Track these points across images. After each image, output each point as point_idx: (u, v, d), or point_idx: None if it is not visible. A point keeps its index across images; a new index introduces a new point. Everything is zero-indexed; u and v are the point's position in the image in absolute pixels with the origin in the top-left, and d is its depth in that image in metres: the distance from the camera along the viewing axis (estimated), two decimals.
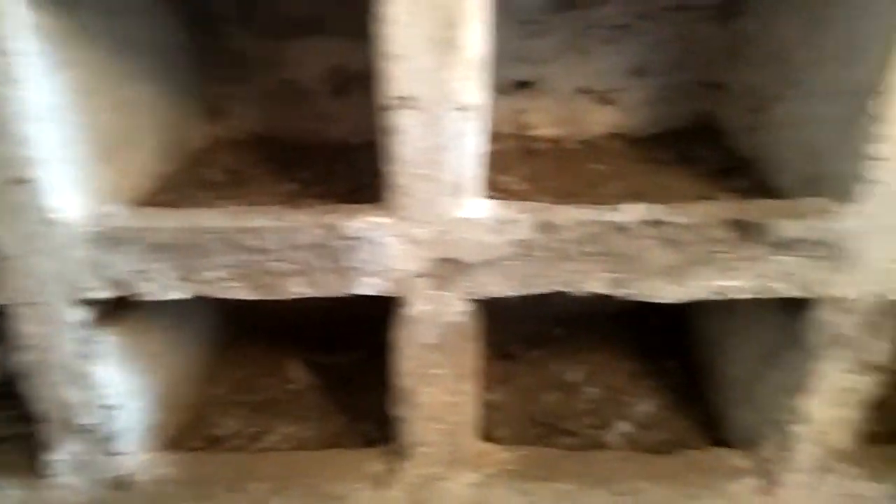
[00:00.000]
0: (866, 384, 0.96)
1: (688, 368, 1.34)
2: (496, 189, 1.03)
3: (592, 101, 1.29)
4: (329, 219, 0.88)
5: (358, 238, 0.88)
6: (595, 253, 0.89)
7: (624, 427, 1.19)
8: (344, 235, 0.88)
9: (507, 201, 0.91)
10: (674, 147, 1.24)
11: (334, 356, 1.39)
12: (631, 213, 0.89)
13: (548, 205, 0.92)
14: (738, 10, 1.18)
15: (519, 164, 1.20)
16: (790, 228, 0.86)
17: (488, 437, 1.12)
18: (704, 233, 0.87)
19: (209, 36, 1.23)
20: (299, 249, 0.89)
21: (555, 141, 1.30)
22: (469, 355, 0.98)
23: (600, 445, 1.15)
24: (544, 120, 1.31)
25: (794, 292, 0.90)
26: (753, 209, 0.88)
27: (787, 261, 0.88)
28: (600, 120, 1.30)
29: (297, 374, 1.35)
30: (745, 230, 0.87)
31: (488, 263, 0.90)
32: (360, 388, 1.30)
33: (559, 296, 0.92)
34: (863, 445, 1.03)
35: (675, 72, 1.26)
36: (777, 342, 1.01)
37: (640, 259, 0.89)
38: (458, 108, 0.81)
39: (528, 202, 0.92)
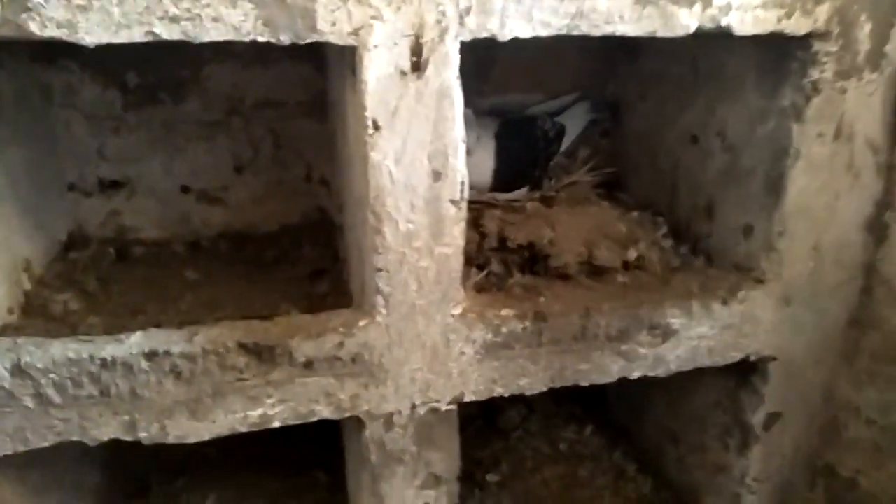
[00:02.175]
0: (445, 497, 0.92)
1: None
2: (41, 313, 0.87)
3: (197, 200, 1.19)
4: None
5: None
6: (93, 395, 0.76)
7: None
8: None
9: None
10: (279, 247, 1.17)
11: None
12: (134, 344, 0.77)
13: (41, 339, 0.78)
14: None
15: (93, 276, 1.05)
16: (313, 347, 0.79)
17: None
18: (220, 360, 0.78)
19: None
20: None
21: (158, 244, 1.18)
22: None
23: None
24: (145, 222, 1.18)
25: (335, 413, 0.83)
26: (275, 329, 0.81)
27: (320, 381, 0.81)
28: (208, 220, 1.20)
29: None
30: (264, 354, 0.79)
31: None
32: None
33: None
34: None
35: (278, 168, 1.20)
36: (359, 460, 0.94)
37: (150, 396, 0.77)
38: None
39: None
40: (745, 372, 0.98)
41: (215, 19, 0.65)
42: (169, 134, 1.14)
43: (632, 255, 0.99)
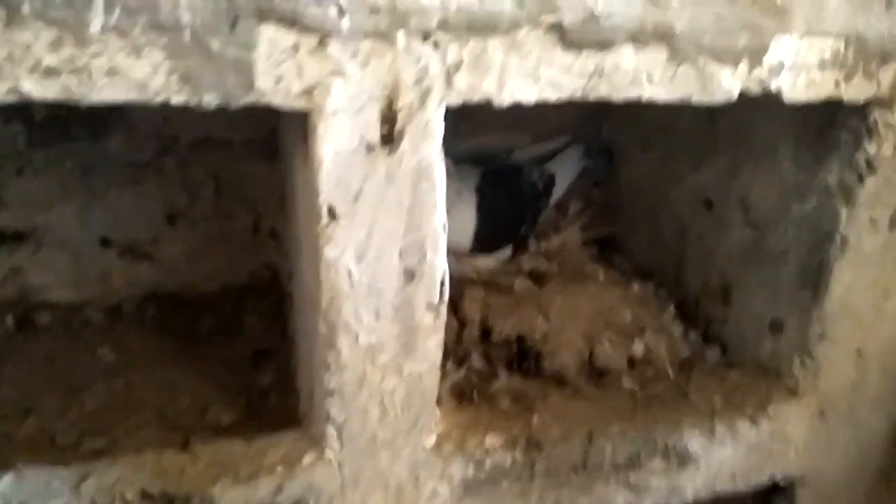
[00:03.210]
0: None
1: None
2: None
3: (121, 256, 0.99)
4: None
5: None
6: None
7: None
8: None
9: None
10: (218, 314, 0.98)
11: None
12: None
13: None
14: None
15: None
16: (242, 496, 0.61)
17: None
18: None
19: None
20: None
21: (70, 309, 0.97)
22: None
23: None
24: (55, 281, 0.98)
25: None
26: (194, 468, 0.62)
27: None
28: (133, 279, 1.00)
29: None
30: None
31: None
32: None
33: None
34: None
35: (220, 218, 1.01)
36: None
37: None
38: None
39: None
40: (769, 495, 0.83)
41: (111, 73, 0.46)
42: (85, 177, 0.94)
43: (638, 348, 0.83)
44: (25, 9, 0.42)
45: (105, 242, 0.98)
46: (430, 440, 0.65)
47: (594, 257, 1.08)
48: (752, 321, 0.85)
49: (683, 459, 0.74)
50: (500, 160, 1.09)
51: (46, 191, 0.93)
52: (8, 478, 0.58)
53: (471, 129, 1.11)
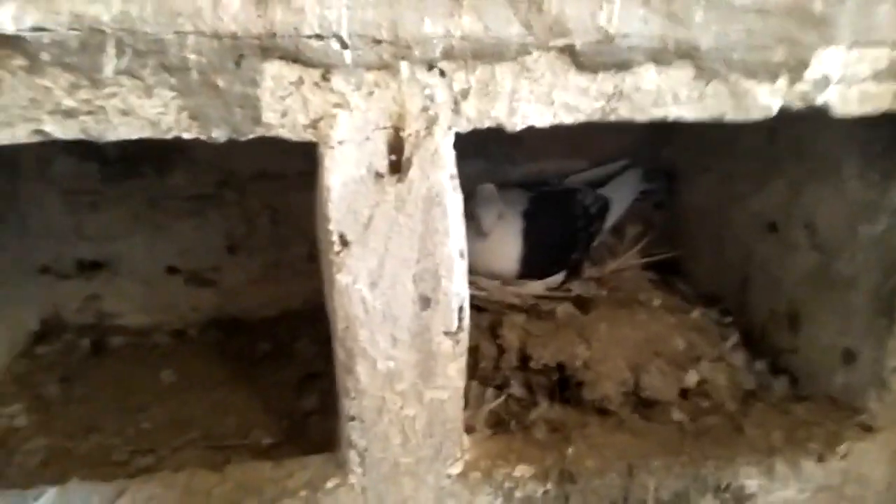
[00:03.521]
0: None
1: None
2: None
3: (186, 283, 1.05)
4: None
5: None
6: None
7: None
8: None
9: None
10: (274, 338, 1.01)
11: None
12: None
13: None
14: None
15: (57, 377, 0.92)
16: None
17: None
18: None
19: None
20: None
21: (141, 333, 1.04)
22: None
23: None
24: (128, 307, 1.04)
25: None
26: (221, 488, 0.63)
27: None
28: (198, 304, 1.05)
29: None
30: None
31: None
32: None
33: None
34: None
35: (277, 246, 1.05)
36: None
37: None
38: None
39: None
40: None
41: (124, 112, 0.49)
42: (153, 209, 1.01)
43: (692, 379, 0.78)
44: (44, 56, 0.46)
45: (172, 270, 1.04)
46: (456, 468, 0.64)
47: (654, 282, 1.03)
48: (823, 351, 0.78)
49: (739, 499, 0.68)
50: (553, 185, 1.07)
51: (119, 223, 1.00)
52: (52, 492, 0.61)
53: (525, 156, 1.10)
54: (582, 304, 0.87)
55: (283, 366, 0.95)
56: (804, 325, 0.82)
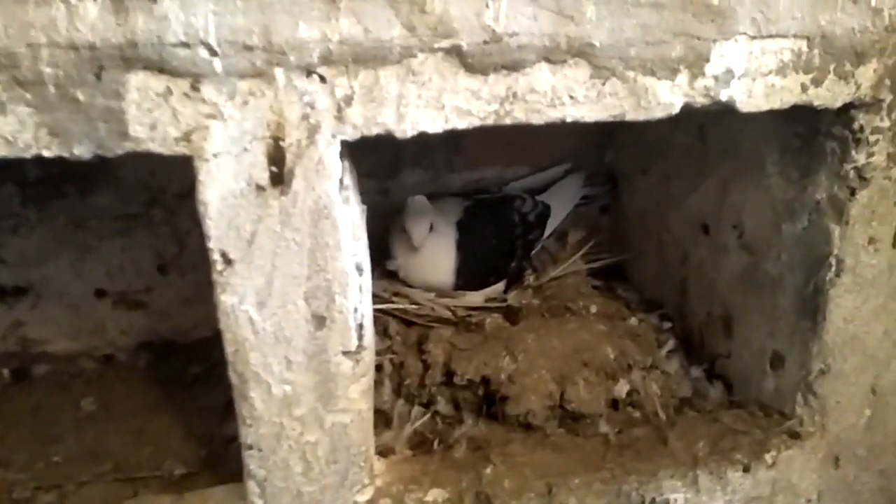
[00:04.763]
0: None
1: None
2: None
3: (115, 306, 1.01)
4: None
5: None
6: None
7: None
8: None
9: None
10: (206, 361, 0.97)
11: None
12: None
13: None
14: None
15: None
16: None
17: None
18: None
19: None
20: None
21: (67, 359, 1.00)
22: None
23: None
24: (53, 333, 1.00)
25: None
26: None
27: None
28: (128, 327, 1.02)
29: None
30: None
31: None
32: None
33: None
34: None
35: (208, 266, 1.01)
36: None
37: None
38: None
39: None
40: None
41: None
42: (78, 231, 0.97)
43: (622, 389, 0.76)
44: None
45: (100, 293, 1.01)
46: (365, 495, 0.61)
47: (597, 289, 1.01)
48: (754, 355, 0.76)
49: None
50: (492, 193, 1.05)
51: (42, 247, 0.97)
52: None
53: (465, 162, 1.08)
54: (512, 314, 0.85)
55: (211, 389, 0.92)
56: (737, 329, 0.80)
